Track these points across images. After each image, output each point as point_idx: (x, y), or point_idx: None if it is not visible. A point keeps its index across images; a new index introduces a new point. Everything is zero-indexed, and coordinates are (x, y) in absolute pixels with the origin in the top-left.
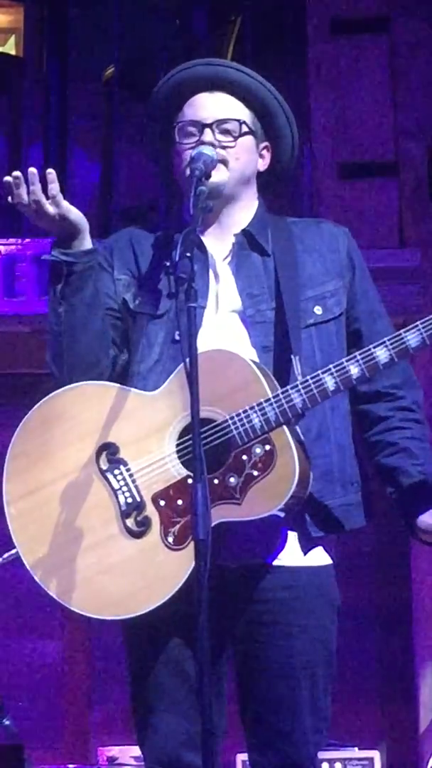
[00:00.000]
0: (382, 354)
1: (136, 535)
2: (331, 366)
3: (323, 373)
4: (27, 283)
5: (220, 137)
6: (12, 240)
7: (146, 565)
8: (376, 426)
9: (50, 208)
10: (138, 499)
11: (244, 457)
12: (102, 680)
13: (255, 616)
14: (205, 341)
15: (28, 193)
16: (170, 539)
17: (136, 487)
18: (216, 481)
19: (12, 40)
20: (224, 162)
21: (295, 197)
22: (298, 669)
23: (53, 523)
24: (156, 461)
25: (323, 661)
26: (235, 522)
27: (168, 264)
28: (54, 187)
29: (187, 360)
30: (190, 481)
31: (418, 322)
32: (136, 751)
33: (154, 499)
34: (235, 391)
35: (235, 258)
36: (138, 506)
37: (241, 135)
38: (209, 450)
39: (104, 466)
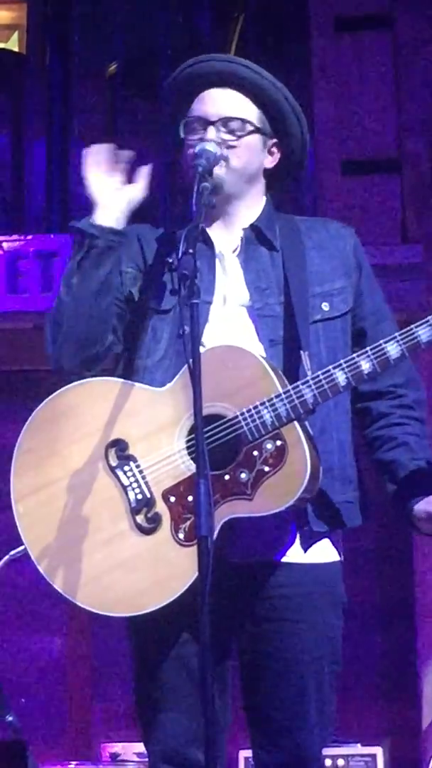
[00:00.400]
0: (393, 349)
1: (147, 531)
2: (341, 361)
3: (334, 368)
4: (30, 280)
5: (224, 135)
6: (15, 236)
7: (156, 562)
8: (377, 422)
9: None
10: (148, 495)
11: (255, 453)
12: (105, 676)
13: (262, 613)
14: (212, 335)
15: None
16: (180, 535)
17: (146, 483)
18: (227, 477)
19: (15, 36)
20: (226, 160)
21: (297, 193)
22: (303, 666)
23: (62, 519)
24: (166, 458)
25: (329, 658)
26: (245, 518)
27: (171, 260)
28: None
29: (190, 359)
30: None
31: (429, 317)
32: (139, 747)
33: (165, 496)
34: (246, 387)
35: (243, 252)
36: (148, 503)
37: (246, 134)
38: (220, 446)
39: (114, 462)
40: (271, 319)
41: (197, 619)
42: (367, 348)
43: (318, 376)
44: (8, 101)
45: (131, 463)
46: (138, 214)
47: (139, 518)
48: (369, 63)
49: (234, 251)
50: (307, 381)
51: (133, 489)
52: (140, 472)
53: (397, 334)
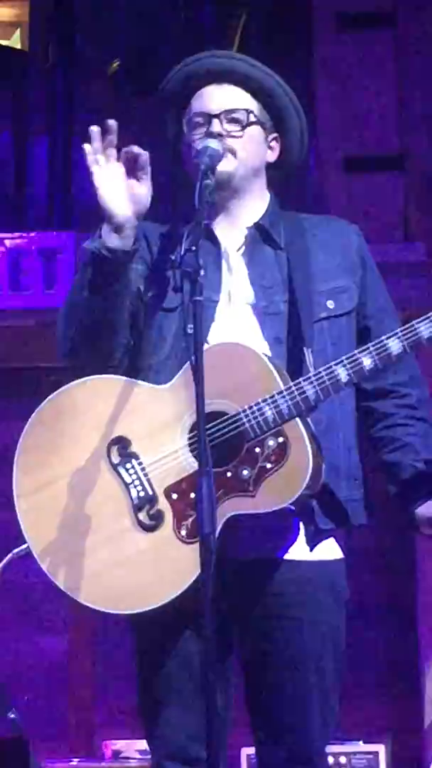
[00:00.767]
0: (394, 345)
1: (149, 528)
2: (343, 358)
3: (336, 364)
4: (32, 277)
5: (228, 127)
6: (17, 233)
7: (159, 559)
8: (380, 422)
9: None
10: (150, 492)
11: (257, 450)
12: (107, 674)
13: (264, 610)
14: (218, 334)
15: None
16: (183, 532)
17: (149, 480)
18: (229, 474)
19: (17, 33)
20: (232, 152)
21: (299, 190)
22: (306, 663)
23: (64, 517)
24: (168, 455)
25: (332, 656)
26: (248, 515)
27: (174, 258)
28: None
29: (193, 356)
30: None
31: (430, 313)
32: (141, 744)
33: (167, 493)
34: (248, 383)
35: (248, 250)
36: (150, 500)
37: (249, 124)
38: (222, 443)
39: (116, 460)
40: (276, 318)
41: (200, 616)
42: (369, 344)
43: (320, 372)
44: (10, 98)
45: (133, 461)
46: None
47: (142, 515)
48: (371, 60)
49: (239, 250)
50: (309, 377)
51: (135, 486)
52: (142, 469)
53: (398, 330)
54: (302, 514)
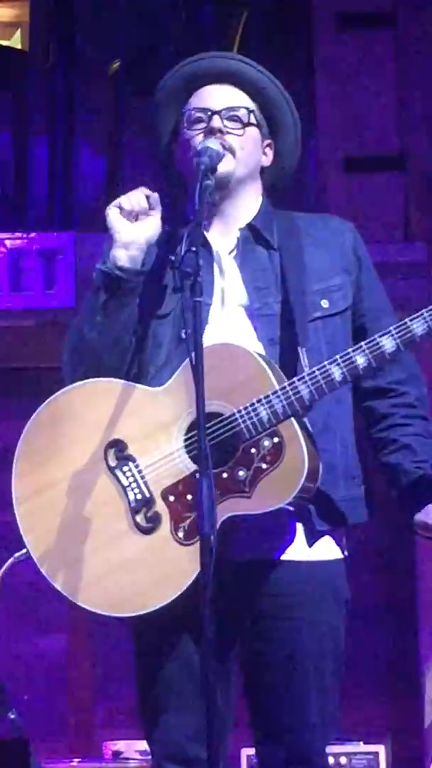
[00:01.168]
0: (387, 343)
1: (147, 531)
2: (337, 356)
3: (329, 363)
4: (32, 278)
5: (228, 124)
6: (18, 234)
7: (157, 561)
8: (379, 423)
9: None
10: (147, 495)
11: (253, 450)
12: (107, 674)
13: (263, 611)
14: (211, 337)
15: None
16: (180, 534)
17: (145, 483)
18: (225, 475)
19: (17, 34)
20: (231, 151)
21: (300, 191)
22: (306, 663)
23: (63, 521)
24: (164, 457)
25: (331, 656)
26: (245, 516)
27: (173, 258)
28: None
29: (193, 355)
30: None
31: (423, 311)
32: (141, 745)
33: (164, 495)
34: (242, 384)
35: (241, 252)
36: (147, 502)
37: (249, 124)
38: (217, 444)
39: (113, 463)
40: (270, 318)
41: (199, 617)
42: (362, 342)
43: (314, 371)
44: (10, 98)
45: (130, 463)
46: None
47: (139, 518)
48: (371, 60)
49: (230, 252)
50: (303, 377)
51: (132, 489)
52: (139, 471)
53: (392, 327)
54: (299, 515)
